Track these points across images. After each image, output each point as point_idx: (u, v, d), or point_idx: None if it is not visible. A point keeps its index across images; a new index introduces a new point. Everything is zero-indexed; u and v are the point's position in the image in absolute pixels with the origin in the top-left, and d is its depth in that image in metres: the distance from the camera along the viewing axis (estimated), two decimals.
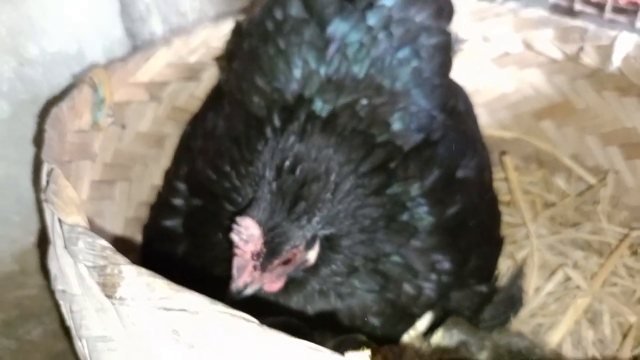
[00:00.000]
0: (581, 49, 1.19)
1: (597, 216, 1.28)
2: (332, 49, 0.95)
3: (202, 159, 1.05)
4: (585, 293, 1.12)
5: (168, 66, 1.15)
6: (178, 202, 1.06)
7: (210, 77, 1.24)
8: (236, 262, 0.84)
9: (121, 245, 1.14)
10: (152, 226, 1.12)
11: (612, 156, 1.29)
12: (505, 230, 1.28)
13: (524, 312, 1.15)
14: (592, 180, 1.34)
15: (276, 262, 0.84)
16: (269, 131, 0.93)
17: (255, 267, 0.83)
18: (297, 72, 0.96)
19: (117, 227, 1.13)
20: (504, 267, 1.22)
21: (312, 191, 0.84)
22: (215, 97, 1.16)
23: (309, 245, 0.86)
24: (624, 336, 1.07)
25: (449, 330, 0.88)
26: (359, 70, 0.95)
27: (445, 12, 1.04)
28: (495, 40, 1.31)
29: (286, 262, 0.85)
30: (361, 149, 0.90)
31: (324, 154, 0.87)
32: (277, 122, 0.93)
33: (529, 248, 1.25)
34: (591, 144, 1.32)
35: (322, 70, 0.95)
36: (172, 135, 1.22)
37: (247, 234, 0.82)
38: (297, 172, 0.85)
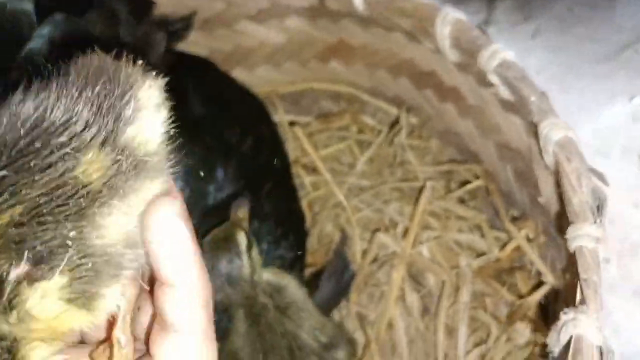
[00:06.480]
0: None
1: (409, 153, 1.20)
2: None
3: None
4: (400, 259, 1.07)
5: None
6: None
7: None
8: None
9: None
10: None
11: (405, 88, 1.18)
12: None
13: (359, 279, 1.12)
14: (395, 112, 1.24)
15: None
16: None
17: None
18: None
19: None
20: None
21: None
22: None
23: None
24: (439, 296, 1.04)
25: None
26: None
27: None
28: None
29: None
30: None
31: None
32: None
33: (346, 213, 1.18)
34: (384, 78, 1.20)
35: None
36: None
37: None
38: None
